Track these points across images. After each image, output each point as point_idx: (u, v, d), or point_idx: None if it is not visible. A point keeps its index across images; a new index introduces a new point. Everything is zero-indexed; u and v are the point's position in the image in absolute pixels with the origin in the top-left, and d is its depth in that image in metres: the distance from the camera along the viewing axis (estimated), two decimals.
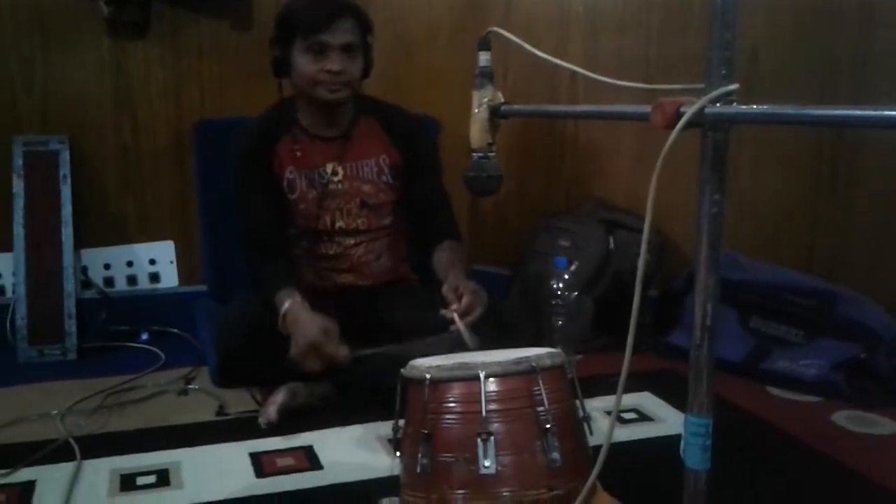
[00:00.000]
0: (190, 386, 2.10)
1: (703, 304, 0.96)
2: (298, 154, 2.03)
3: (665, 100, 0.90)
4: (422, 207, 2.11)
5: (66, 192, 2.40)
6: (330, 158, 2.04)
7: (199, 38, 2.53)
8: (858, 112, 0.77)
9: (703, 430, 0.96)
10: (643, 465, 1.60)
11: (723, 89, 0.87)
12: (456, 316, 1.70)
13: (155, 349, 2.37)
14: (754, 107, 0.85)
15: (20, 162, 2.37)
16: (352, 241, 2.07)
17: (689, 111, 0.86)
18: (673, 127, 0.88)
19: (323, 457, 1.70)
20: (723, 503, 1.38)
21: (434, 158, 2.14)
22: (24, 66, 2.40)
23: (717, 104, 0.88)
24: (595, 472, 1.15)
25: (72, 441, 1.74)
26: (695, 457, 0.97)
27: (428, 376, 1.32)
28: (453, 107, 2.19)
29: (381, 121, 2.09)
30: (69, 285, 2.37)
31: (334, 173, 2.04)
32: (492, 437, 1.26)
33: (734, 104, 0.89)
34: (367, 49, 2.00)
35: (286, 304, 1.81)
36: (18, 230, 2.35)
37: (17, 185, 2.36)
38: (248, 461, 1.69)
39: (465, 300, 1.74)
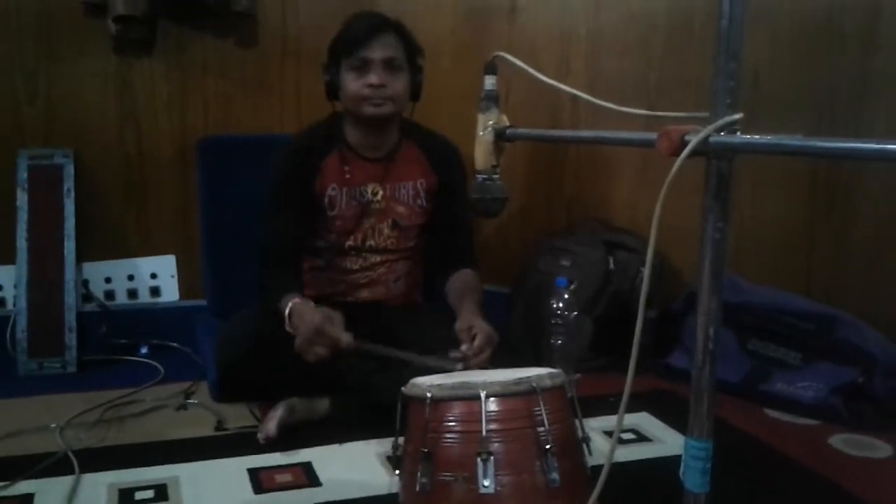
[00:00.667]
0: (189, 400, 2.10)
1: (704, 328, 0.97)
2: (347, 175, 2.06)
3: (671, 128, 0.91)
4: (447, 232, 2.16)
5: (69, 205, 2.40)
6: (373, 179, 2.09)
7: (204, 54, 2.56)
8: (861, 145, 0.78)
9: (703, 453, 0.97)
10: (642, 486, 1.61)
11: (727, 119, 0.89)
12: (464, 350, 1.79)
13: (154, 363, 2.37)
14: (758, 137, 0.87)
15: (24, 175, 2.38)
16: (378, 259, 2.11)
17: (693, 140, 0.87)
18: (678, 154, 0.90)
19: (322, 474, 1.70)
20: None
21: (464, 187, 2.18)
22: (29, 80, 2.42)
23: (722, 133, 0.90)
24: (596, 492, 1.15)
25: (70, 455, 1.73)
26: (694, 480, 0.98)
27: (429, 395, 1.33)
28: (458, 125, 2.21)
29: (422, 146, 2.15)
30: (70, 298, 2.38)
31: (374, 193, 2.09)
32: (491, 457, 1.27)
33: (738, 133, 0.90)
34: (416, 69, 2.05)
35: (290, 303, 1.85)
36: (21, 243, 2.36)
37: (21, 199, 2.37)
38: (246, 477, 1.68)
39: (476, 342, 1.80)
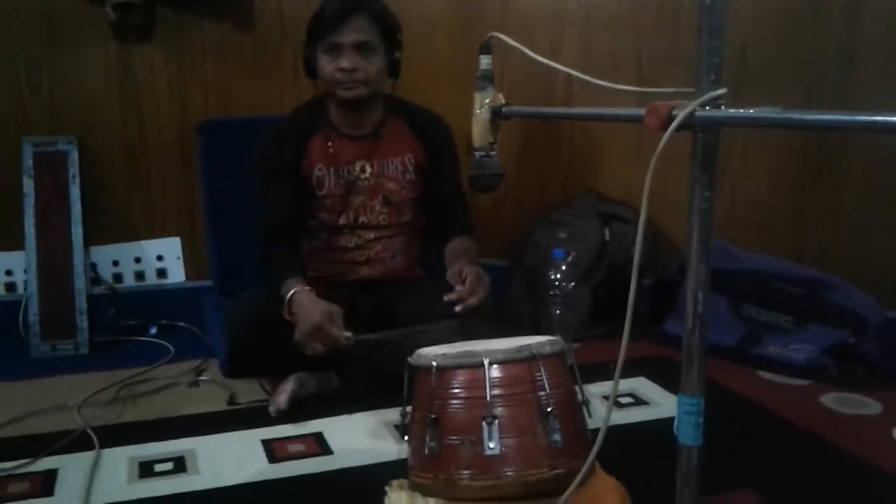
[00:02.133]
0: (201, 377, 2.16)
1: (694, 294, 1.03)
2: (331, 151, 2.09)
3: (658, 103, 0.96)
4: (440, 204, 2.19)
5: (75, 191, 2.46)
6: (359, 156, 2.11)
7: (203, 40, 2.59)
8: (842, 117, 0.83)
9: (696, 409, 1.04)
10: (639, 447, 1.67)
11: (711, 94, 0.94)
12: (457, 291, 1.83)
13: (164, 342, 2.43)
14: (742, 111, 0.92)
15: (30, 163, 2.43)
16: (372, 236, 2.14)
17: (680, 115, 0.93)
18: (666, 129, 0.95)
19: (332, 443, 1.77)
20: (715, 482, 1.47)
21: (454, 160, 2.21)
22: (32, 69, 2.46)
23: (707, 108, 0.95)
24: (594, 451, 1.21)
25: (90, 431, 1.80)
26: (688, 434, 1.05)
27: (435, 364, 1.39)
28: (453, 102, 2.24)
29: (409, 121, 2.16)
30: (80, 282, 2.43)
31: (362, 171, 2.11)
32: (496, 421, 1.33)
33: (722, 107, 0.95)
34: (392, 48, 2.05)
35: (292, 291, 1.88)
36: (30, 229, 2.41)
37: (28, 186, 2.42)
38: (260, 448, 1.75)
39: (468, 282, 1.84)
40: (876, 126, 0.79)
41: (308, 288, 1.90)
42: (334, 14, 1.96)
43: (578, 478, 1.26)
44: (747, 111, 0.91)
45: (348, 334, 1.84)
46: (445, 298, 1.83)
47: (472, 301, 1.83)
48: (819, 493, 1.57)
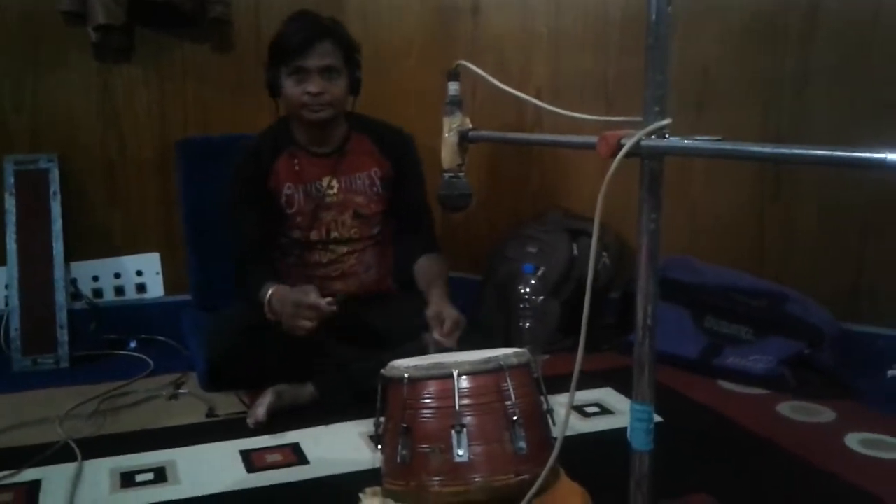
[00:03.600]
0: (179, 391, 2.21)
1: (644, 307, 1.11)
2: (297, 168, 2.16)
3: (608, 133, 1.05)
4: (407, 214, 2.27)
5: (56, 208, 2.50)
6: (326, 173, 2.19)
7: (182, 60, 2.67)
8: (771, 149, 0.91)
9: (646, 415, 1.11)
10: (604, 454, 1.71)
11: (656, 125, 1.02)
12: (436, 337, 1.92)
13: (143, 356, 2.47)
14: (682, 140, 1.00)
15: (11, 180, 2.48)
16: (344, 250, 2.21)
17: (627, 144, 1.01)
18: (615, 156, 1.03)
19: (309, 453, 1.83)
20: (673, 486, 1.55)
21: (418, 171, 2.29)
22: (13, 88, 2.52)
23: (653, 136, 1.03)
24: (553, 457, 1.29)
25: (72, 443, 1.84)
26: (639, 439, 1.12)
27: (406, 375, 1.46)
28: (425, 121, 2.30)
29: (372, 135, 2.24)
30: (60, 297, 2.48)
31: (330, 186, 2.18)
32: (465, 429, 1.40)
33: (667, 136, 1.04)
34: (353, 68, 2.12)
35: (269, 292, 1.97)
36: (11, 245, 2.46)
37: (9, 203, 2.47)
38: (238, 458, 1.81)
39: (446, 327, 1.93)
40: (804, 158, 0.88)
41: (283, 285, 1.99)
42: (300, 40, 2.04)
43: (538, 482, 1.33)
44: (687, 140, 0.99)
45: (329, 299, 1.91)
46: (423, 338, 1.93)
47: (448, 344, 1.91)
48: (774, 498, 1.64)
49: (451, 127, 1.50)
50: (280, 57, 2.07)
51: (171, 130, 2.68)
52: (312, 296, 1.91)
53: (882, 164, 0.77)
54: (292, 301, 1.90)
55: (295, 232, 2.18)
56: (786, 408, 2.09)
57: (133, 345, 2.59)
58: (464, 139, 1.49)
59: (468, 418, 1.41)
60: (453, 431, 1.39)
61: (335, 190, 2.18)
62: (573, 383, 1.13)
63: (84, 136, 2.61)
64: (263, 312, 1.99)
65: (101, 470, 1.75)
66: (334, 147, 2.20)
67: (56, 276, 2.49)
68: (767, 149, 0.91)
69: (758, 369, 2.25)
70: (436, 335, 1.93)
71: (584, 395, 2.13)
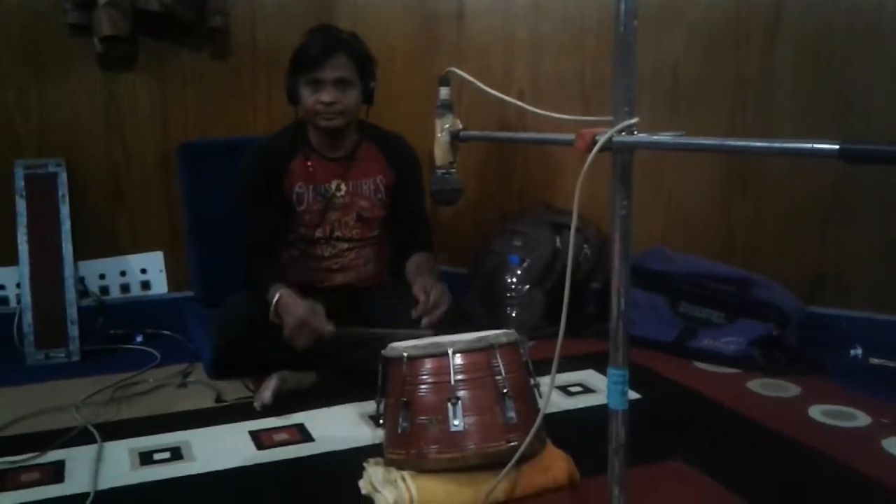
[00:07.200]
0: (188, 379, 2.34)
1: (617, 288, 1.26)
2: (310, 170, 2.29)
3: (584, 131, 1.20)
4: (406, 220, 2.40)
5: (64, 210, 2.62)
6: (336, 176, 2.32)
7: (182, 67, 2.79)
8: (726, 142, 1.07)
9: (621, 378, 1.26)
10: (587, 428, 1.87)
11: (625, 123, 1.17)
12: (422, 304, 2.04)
13: (150, 349, 2.59)
14: (648, 136, 1.16)
15: (22, 184, 2.59)
16: (345, 246, 2.35)
17: (600, 140, 1.16)
18: (591, 151, 1.18)
19: (314, 431, 1.97)
20: (650, 454, 1.71)
21: (419, 182, 2.43)
22: (22, 96, 2.63)
23: (623, 133, 1.18)
24: (537, 422, 1.45)
25: (91, 427, 1.96)
26: (615, 399, 1.27)
27: (405, 354, 1.61)
28: (411, 122, 2.49)
29: (381, 146, 2.36)
30: (70, 294, 2.59)
31: (338, 189, 2.31)
32: (459, 402, 1.55)
33: (635, 133, 1.19)
34: (367, 79, 2.25)
35: (277, 295, 2.08)
36: (23, 246, 2.57)
37: (20, 206, 2.58)
38: (248, 438, 1.94)
39: (432, 296, 2.06)
40: (759, 150, 1.03)
41: (290, 291, 2.10)
42: (317, 53, 2.16)
43: (524, 445, 1.48)
44: (653, 136, 1.14)
45: (330, 327, 2.05)
46: (413, 316, 2.05)
47: (436, 314, 2.05)
48: (741, 462, 1.80)
49: (444, 128, 1.65)
50: (299, 67, 2.20)
51: (172, 134, 2.81)
52: (320, 319, 2.04)
53: (833, 153, 0.92)
54: (300, 318, 2.02)
55: (301, 228, 2.31)
56: (756, 384, 2.25)
57: (140, 339, 2.69)
58: (455, 138, 1.64)
59: (462, 392, 1.57)
60: (449, 404, 1.55)
61: (343, 193, 2.32)
62: (557, 346, 1.28)
63: (90, 141, 2.73)
64: (266, 309, 2.11)
65: (121, 450, 1.87)
66: (345, 153, 2.33)
67: (65, 274, 2.60)
68: (729, 142, 1.06)
69: (729, 350, 2.41)
70: (421, 303, 2.05)
71: (567, 377, 2.29)
